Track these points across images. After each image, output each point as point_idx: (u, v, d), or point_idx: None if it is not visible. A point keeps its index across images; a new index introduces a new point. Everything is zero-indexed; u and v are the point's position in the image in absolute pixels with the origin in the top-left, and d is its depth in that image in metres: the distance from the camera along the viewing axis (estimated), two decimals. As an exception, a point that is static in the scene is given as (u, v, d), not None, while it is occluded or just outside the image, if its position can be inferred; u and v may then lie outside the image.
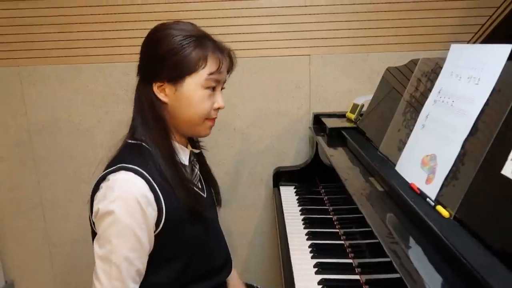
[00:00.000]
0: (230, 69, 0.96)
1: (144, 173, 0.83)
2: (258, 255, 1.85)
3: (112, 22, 1.63)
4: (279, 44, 1.65)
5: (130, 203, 0.80)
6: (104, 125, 1.73)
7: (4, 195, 1.79)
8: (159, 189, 0.84)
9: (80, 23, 1.63)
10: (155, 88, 0.90)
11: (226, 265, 1.08)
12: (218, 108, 0.95)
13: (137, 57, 0.92)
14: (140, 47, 0.93)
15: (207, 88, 0.90)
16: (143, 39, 0.93)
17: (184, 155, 0.97)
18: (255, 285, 1.27)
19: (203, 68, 0.88)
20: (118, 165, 0.84)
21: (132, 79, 1.64)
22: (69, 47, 1.65)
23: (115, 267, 0.80)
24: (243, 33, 1.60)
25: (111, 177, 0.83)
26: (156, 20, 1.61)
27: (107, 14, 1.63)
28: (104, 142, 1.73)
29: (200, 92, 0.90)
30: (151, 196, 0.83)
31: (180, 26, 0.91)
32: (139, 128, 0.91)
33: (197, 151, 1.04)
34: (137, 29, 1.62)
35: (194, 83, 0.89)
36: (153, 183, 0.84)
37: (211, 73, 0.89)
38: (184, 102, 0.90)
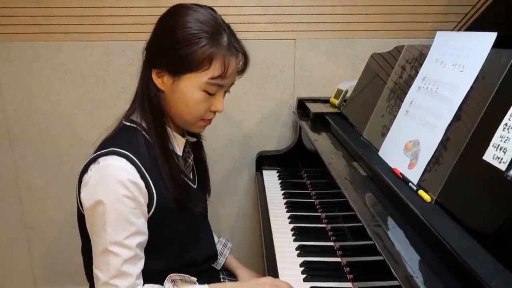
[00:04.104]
0: (241, 72, 0.91)
1: (135, 159, 0.81)
2: (240, 239, 1.86)
3: (93, -2, 1.57)
4: (264, 27, 1.63)
5: (120, 190, 0.78)
6: (83, 105, 1.68)
7: (-22, 176, 1.73)
8: (149, 176, 0.83)
9: (58, -1, 1.56)
10: (154, 73, 0.86)
11: (211, 257, 1.08)
12: (215, 111, 0.91)
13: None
14: (151, 31, 0.88)
15: (205, 91, 0.86)
16: (160, 17, 0.88)
17: (177, 144, 0.94)
18: None
19: (206, 70, 0.83)
20: (110, 149, 0.81)
21: (113, 58, 1.64)
22: (47, 23, 1.58)
23: (113, 255, 0.79)
24: (228, 15, 1.54)
25: (102, 160, 0.81)
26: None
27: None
28: (83, 122, 1.69)
29: (197, 94, 0.85)
30: (141, 183, 0.81)
31: (199, 15, 0.84)
32: (136, 110, 0.89)
33: (193, 139, 1.01)
34: (119, 7, 1.56)
35: (192, 82, 0.84)
36: (143, 170, 0.82)
37: (212, 78, 0.84)
38: (178, 97, 0.86)
